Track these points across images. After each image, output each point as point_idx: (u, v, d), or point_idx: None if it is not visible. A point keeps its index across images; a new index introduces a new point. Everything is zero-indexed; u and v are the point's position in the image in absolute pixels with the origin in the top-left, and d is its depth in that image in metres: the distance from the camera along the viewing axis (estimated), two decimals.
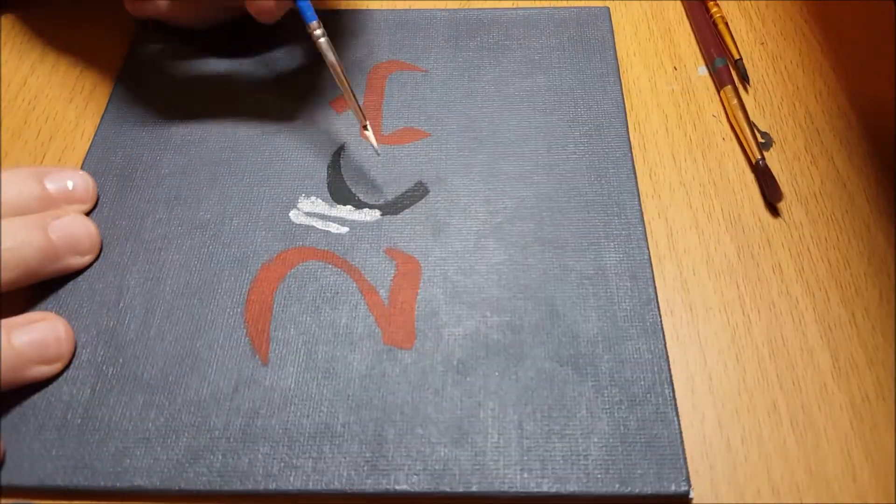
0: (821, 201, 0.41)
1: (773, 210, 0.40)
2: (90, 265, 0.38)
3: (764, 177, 0.41)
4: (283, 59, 0.47)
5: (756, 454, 0.33)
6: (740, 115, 0.43)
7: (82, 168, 0.41)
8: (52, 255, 0.36)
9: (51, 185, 0.38)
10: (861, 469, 0.32)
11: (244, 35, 0.47)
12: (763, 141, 0.43)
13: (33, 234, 0.35)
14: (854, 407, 0.34)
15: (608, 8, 0.49)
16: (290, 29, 0.47)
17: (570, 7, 0.49)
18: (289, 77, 0.46)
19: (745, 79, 0.46)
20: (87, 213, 0.39)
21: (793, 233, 0.40)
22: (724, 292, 0.38)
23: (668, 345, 0.36)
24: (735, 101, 0.44)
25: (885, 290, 0.37)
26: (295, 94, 0.45)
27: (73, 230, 0.37)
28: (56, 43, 0.48)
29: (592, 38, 0.47)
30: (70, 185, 0.38)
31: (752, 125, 0.43)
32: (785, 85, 0.46)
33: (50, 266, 0.36)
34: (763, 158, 0.41)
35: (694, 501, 0.32)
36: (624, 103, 0.44)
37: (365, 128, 0.39)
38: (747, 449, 0.33)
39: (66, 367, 0.35)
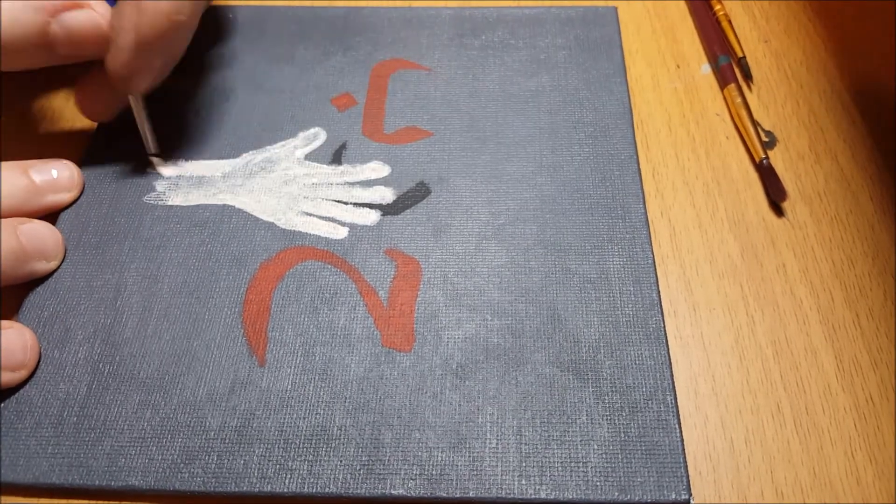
0: (825, 200, 0.39)
1: (777, 209, 0.39)
2: (55, 271, 0.36)
3: (768, 176, 0.39)
4: (282, 58, 0.45)
5: (759, 455, 0.31)
6: (744, 113, 0.41)
7: (81, 165, 0.40)
8: (22, 258, 0.34)
9: (36, 176, 0.37)
10: (865, 471, 0.31)
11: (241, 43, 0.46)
12: (767, 140, 0.41)
13: (6, 236, 0.34)
14: (858, 408, 0.32)
15: (615, 7, 0.47)
16: (289, 32, 0.46)
17: (577, 6, 0.47)
18: (288, 76, 0.44)
19: (748, 77, 0.44)
20: (73, 202, 0.39)
21: (797, 232, 0.38)
22: (727, 292, 0.36)
23: (670, 345, 0.34)
24: (738, 100, 0.42)
25: (889, 290, 0.36)
26: (295, 93, 0.43)
27: (40, 235, 0.36)
28: None
29: (599, 38, 0.45)
30: (54, 173, 0.38)
31: (755, 124, 0.41)
32: (789, 83, 0.44)
33: (19, 269, 0.35)
34: (767, 157, 0.40)
35: (697, 503, 0.30)
36: (630, 105, 0.42)
37: (156, 156, 0.40)
38: (751, 450, 0.32)
39: (30, 376, 0.33)
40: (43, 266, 0.36)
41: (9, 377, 0.32)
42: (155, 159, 0.40)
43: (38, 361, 0.33)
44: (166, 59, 0.37)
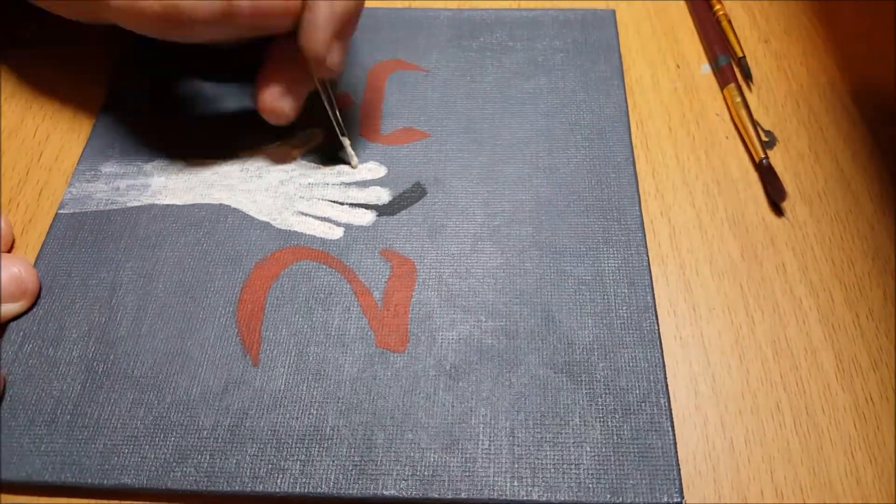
0: (824, 200, 0.38)
1: (777, 209, 0.38)
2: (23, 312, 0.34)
3: (767, 176, 0.39)
4: None
5: (759, 455, 0.31)
6: (743, 113, 0.41)
7: (79, 162, 0.39)
8: None
9: None
10: (864, 470, 0.31)
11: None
12: (766, 139, 0.41)
13: None
14: (857, 408, 0.32)
15: (614, 10, 0.46)
16: None
17: (576, 9, 0.46)
18: None
19: (748, 77, 0.43)
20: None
21: (796, 232, 0.37)
22: (727, 292, 0.35)
23: (670, 345, 0.34)
24: (738, 100, 0.41)
25: (888, 290, 0.35)
26: None
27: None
28: (53, 40, 0.46)
29: (597, 41, 0.45)
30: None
31: (755, 124, 0.40)
32: (788, 83, 0.43)
33: None
34: (766, 157, 0.39)
35: (696, 503, 0.30)
36: (627, 107, 0.42)
37: (343, 134, 0.39)
38: (750, 450, 0.31)
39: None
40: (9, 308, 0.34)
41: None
42: (346, 143, 0.39)
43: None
44: (349, 38, 0.36)
